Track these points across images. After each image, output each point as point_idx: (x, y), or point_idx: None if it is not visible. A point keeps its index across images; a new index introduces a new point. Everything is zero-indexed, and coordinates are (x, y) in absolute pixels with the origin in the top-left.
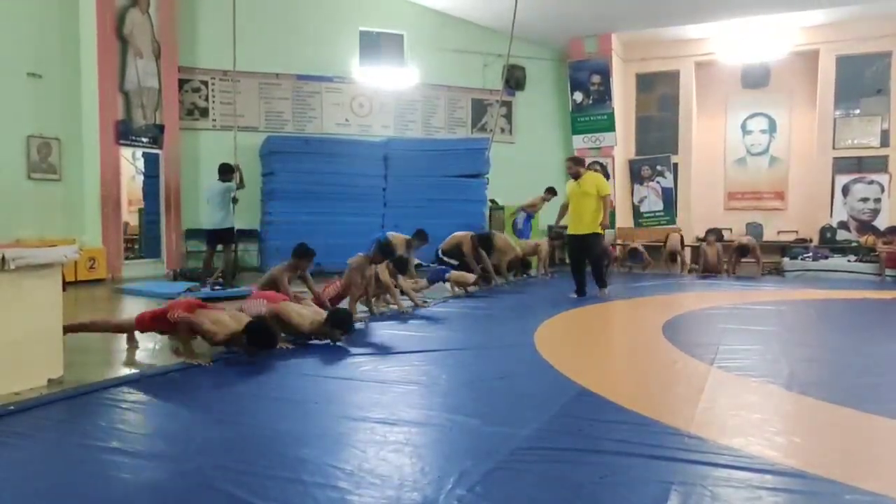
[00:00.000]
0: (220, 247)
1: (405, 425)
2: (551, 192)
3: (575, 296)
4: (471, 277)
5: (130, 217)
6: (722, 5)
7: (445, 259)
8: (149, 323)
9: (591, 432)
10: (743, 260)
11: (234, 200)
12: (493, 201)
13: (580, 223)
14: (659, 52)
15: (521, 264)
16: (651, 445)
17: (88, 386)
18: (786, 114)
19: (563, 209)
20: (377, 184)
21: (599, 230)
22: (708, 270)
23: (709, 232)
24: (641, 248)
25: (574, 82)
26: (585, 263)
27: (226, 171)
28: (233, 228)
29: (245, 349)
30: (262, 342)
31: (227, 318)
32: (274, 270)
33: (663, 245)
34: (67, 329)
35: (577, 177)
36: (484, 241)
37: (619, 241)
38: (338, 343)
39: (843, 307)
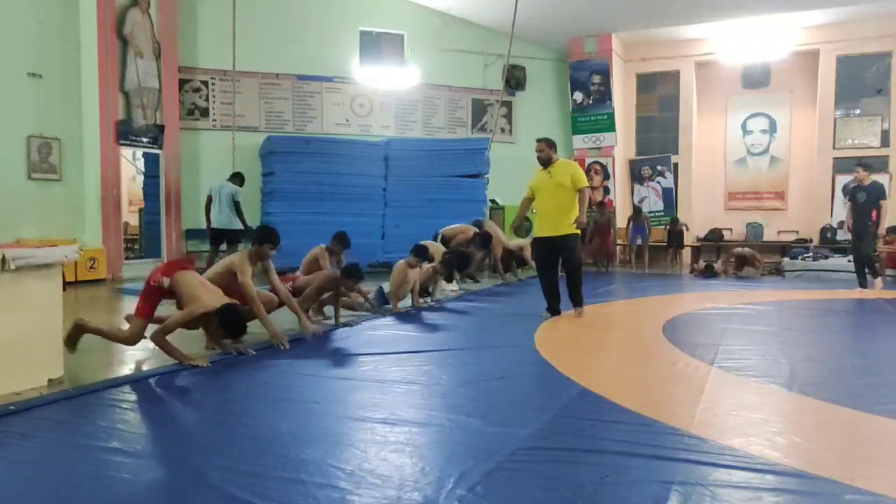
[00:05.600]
0: (223, 246)
1: (406, 425)
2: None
3: (548, 314)
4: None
5: (130, 217)
6: (722, 5)
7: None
8: (143, 309)
9: (592, 432)
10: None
11: (237, 205)
12: (493, 201)
13: (552, 223)
14: (659, 52)
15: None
16: (652, 445)
17: (88, 386)
18: (786, 114)
19: (525, 205)
20: (377, 184)
21: (576, 230)
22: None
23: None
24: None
25: (574, 82)
26: (557, 274)
27: (235, 177)
28: (239, 230)
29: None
30: (233, 328)
31: (205, 295)
32: (234, 259)
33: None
34: (82, 329)
35: (547, 163)
36: (484, 240)
37: (619, 242)
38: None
39: (842, 307)
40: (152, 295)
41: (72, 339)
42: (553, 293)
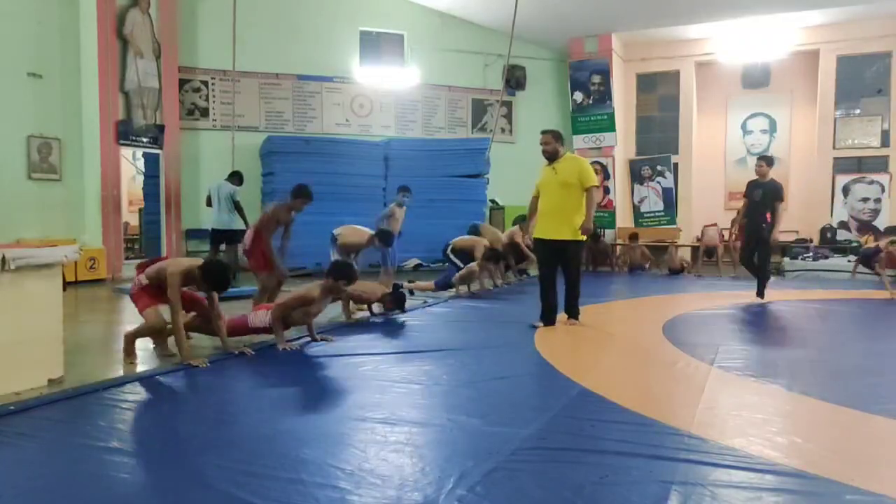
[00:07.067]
0: (222, 247)
1: (406, 425)
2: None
3: (540, 324)
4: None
5: (130, 217)
6: (722, 5)
7: (452, 257)
8: (146, 300)
9: (592, 432)
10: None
11: (237, 204)
12: (493, 201)
13: (553, 225)
14: (659, 52)
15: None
16: (652, 445)
17: (88, 386)
18: (786, 114)
19: (534, 205)
20: (377, 184)
21: (580, 236)
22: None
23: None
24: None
25: (574, 82)
26: (556, 279)
27: (234, 177)
28: (239, 230)
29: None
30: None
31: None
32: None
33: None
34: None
35: (553, 157)
36: (495, 255)
37: (619, 242)
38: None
39: (843, 307)
40: (142, 293)
41: (127, 351)
42: (551, 303)
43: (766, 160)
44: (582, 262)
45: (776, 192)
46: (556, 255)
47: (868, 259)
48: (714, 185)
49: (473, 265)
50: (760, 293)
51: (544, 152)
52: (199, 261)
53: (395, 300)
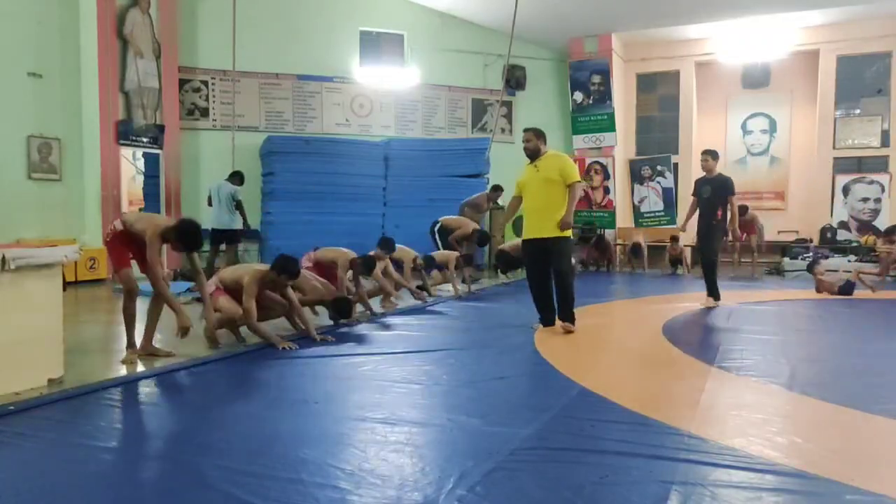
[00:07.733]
0: (222, 246)
1: (406, 425)
2: (497, 189)
3: (539, 326)
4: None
5: None
6: (722, 5)
7: (436, 237)
8: (121, 259)
9: (592, 432)
10: (744, 261)
11: (238, 204)
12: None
13: (539, 223)
14: (659, 52)
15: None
16: (652, 445)
17: (88, 386)
18: (786, 114)
19: (514, 205)
20: (377, 184)
21: (567, 233)
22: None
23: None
24: (643, 243)
25: (574, 82)
26: (549, 280)
27: (234, 176)
28: (239, 230)
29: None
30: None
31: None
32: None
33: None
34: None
35: (535, 155)
36: (484, 236)
37: (619, 241)
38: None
39: (843, 307)
40: (116, 244)
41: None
42: (546, 303)
43: (710, 154)
44: (574, 264)
45: (726, 187)
46: (543, 254)
47: (849, 290)
48: None
49: (451, 254)
50: (717, 294)
51: (526, 150)
52: (172, 221)
53: (337, 308)
